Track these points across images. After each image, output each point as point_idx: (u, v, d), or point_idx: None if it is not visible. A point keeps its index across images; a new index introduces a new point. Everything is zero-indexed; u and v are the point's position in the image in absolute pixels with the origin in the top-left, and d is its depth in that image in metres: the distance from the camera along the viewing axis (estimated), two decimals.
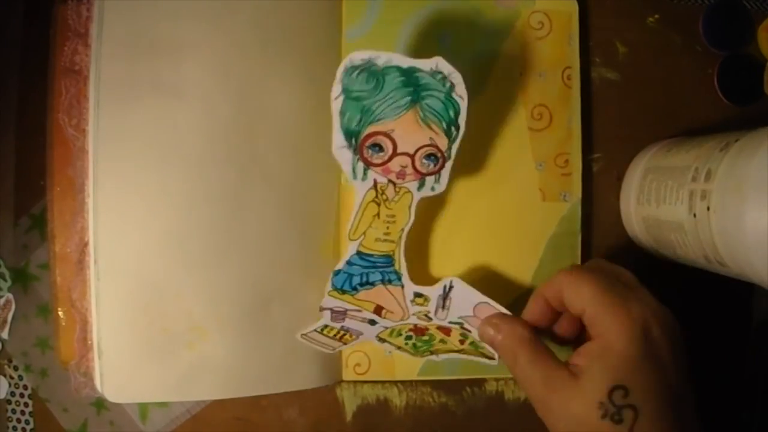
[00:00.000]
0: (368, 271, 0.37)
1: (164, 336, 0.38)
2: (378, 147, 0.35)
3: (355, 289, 0.38)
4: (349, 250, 0.37)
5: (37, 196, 0.41)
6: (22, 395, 0.41)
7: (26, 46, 0.41)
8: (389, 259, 0.37)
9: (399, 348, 0.40)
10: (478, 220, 0.41)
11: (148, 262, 0.38)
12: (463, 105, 0.34)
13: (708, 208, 0.32)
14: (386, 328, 0.39)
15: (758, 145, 0.30)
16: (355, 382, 0.43)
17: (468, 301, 0.37)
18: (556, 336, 0.36)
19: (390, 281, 0.38)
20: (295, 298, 0.40)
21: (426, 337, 0.39)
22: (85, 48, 0.38)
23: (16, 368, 0.41)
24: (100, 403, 0.41)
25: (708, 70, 0.44)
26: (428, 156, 0.35)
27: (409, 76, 0.34)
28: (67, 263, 0.39)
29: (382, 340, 0.40)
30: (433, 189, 0.36)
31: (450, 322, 0.38)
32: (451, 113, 0.34)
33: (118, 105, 0.37)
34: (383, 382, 0.43)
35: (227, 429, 0.42)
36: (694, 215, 0.33)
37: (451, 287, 0.37)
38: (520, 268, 0.42)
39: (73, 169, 0.39)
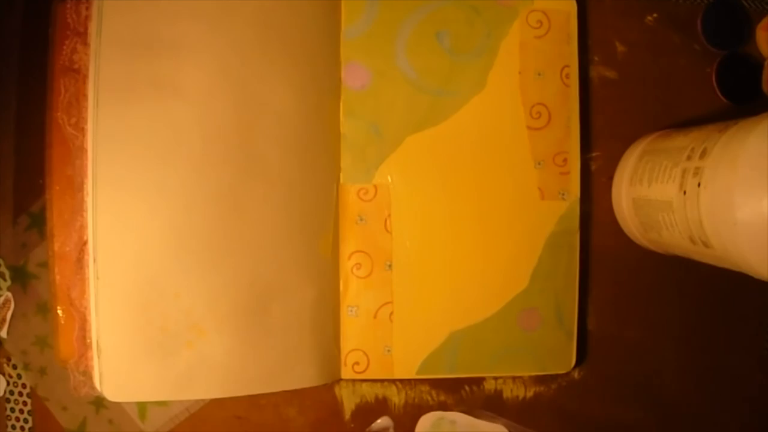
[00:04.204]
0: None
1: (163, 335, 0.38)
2: None
3: None
4: None
5: (36, 195, 0.41)
6: (21, 394, 0.41)
7: (25, 44, 0.41)
8: None
9: None
10: (477, 218, 0.41)
11: (147, 261, 0.38)
12: None
13: (699, 184, 0.32)
14: None
15: (756, 124, 0.30)
16: (353, 380, 0.43)
17: None
18: None
19: None
20: (294, 297, 0.40)
21: None
22: (84, 47, 0.38)
23: (15, 367, 0.41)
24: (99, 402, 0.41)
25: (706, 69, 0.44)
26: None
27: None
28: (66, 262, 0.39)
29: None
30: None
31: None
32: None
33: (118, 104, 0.37)
34: (382, 381, 0.43)
35: (226, 428, 0.42)
36: (684, 192, 0.34)
37: None
38: (519, 267, 0.42)
39: (72, 167, 0.39)
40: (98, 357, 0.37)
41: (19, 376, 0.41)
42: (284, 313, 0.40)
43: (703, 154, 0.33)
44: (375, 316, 0.41)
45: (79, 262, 0.39)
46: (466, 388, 0.43)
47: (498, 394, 0.44)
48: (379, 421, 0.43)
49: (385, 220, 0.41)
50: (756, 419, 0.45)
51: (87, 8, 0.38)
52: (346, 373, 0.42)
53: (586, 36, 0.43)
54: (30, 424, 0.41)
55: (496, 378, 0.43)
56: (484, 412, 0.43)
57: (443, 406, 0.43)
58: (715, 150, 0.32)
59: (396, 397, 0.43)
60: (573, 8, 0.42)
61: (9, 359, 0.41)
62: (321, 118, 0.41)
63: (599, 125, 0.44)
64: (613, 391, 0.44)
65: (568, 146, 0.42)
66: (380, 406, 0.43)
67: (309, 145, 0.40)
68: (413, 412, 0.43)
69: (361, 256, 0.41)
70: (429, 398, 0.43)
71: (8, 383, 0.41)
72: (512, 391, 0.44)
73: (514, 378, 0.43)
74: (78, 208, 0.39)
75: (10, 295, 0.41)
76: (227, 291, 0.39)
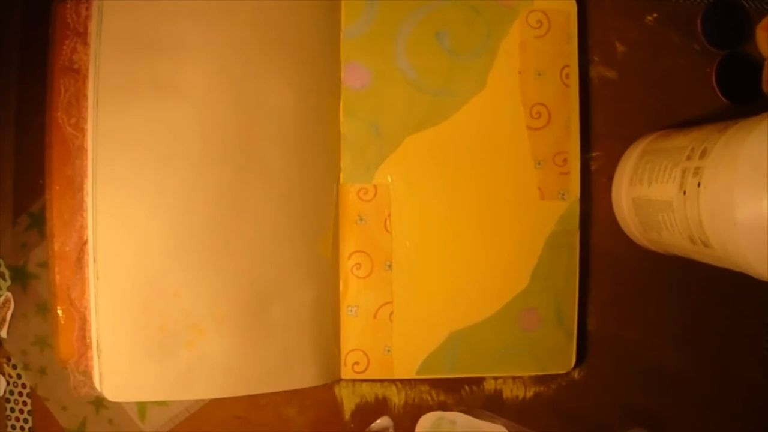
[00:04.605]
0: None
1: (163, 335, 0.38)
2: None
3: None
4: None
5: (36, 195, 0.41)
6: (20, 394, 0.41)
7: (25, 44, 0.41)
8: None
9: None
10: (477, 218, 0.41)
11: (147, 261, 0.38)
12: None
13: (699, 184, 0.32)
14: None
15: (756, 124, 0.30)
16: (353, 380, 0.43)
17: None
18: None
19: None
20: (294, 297, 0.40)
21: None
22: (84, 47, 0.38)
23: (14, 367, 0.41)
24: (99, 402, 0.41)
25: (706, 69, 0.44)
26: None
27: None
28: (66, 262, 0.39)
29: None
30: None
31: None
32: None
33: (117, 104, 0.37)
34: (382, 381, 0.43)
35: (226, 428, 0.42)
36: (684, 192, 0.34)
37: None
38: (519, 267, 0.42)
39: (72, 167, 0.39)
40: (98, 357, 0.37)
41: (19, 376, 0.41)
42: (284, 313, 0.40)
43: (703, 154, 0.33)
44: (375, 316, 0.41)
45: (79, 262, 0.39)
46: (466, 388, 0.43)
47: (498, 394, 0.43)
48: (378, 421, 0.43)
49: (385, 220, 0.41)
50: (756, 419, 0.45)
51: (87, 8, 0.38)
52: (346, 373, 0.42)
53: (586, 36, 0.43)
54: (30, 424, 0.41)
55: (496, 378, 0.43)
56: (483, 412, 0.43)
57: (443, 406, 0.43)
58: (715, 150, 0.32)
59: (396, 397, 0.43)
60: (573, 8, 0.42)
61: (9, 359, 0.41)
62: (321, 118, 0.41)
63: (599, 125, 0.44)
64: (613, 392, 0.44)
65: (568, 146, 0.42)
66: (380, 406, 0.43)
67: (309, 145, 0.40)
68: (413, 412, 0.43)
69: (361, 256, 0.41)
70: (429, 398, 0.43)
71: (8, 383, 0.41)
72: (512, 391, 0.44)
73: (514, 378, 0.43)
74: (78, 208, 0.39)
75: (10, 295, 0.41)
76: (227, 291, 0.39)
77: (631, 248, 0.43)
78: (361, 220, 0.41)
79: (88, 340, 0.38)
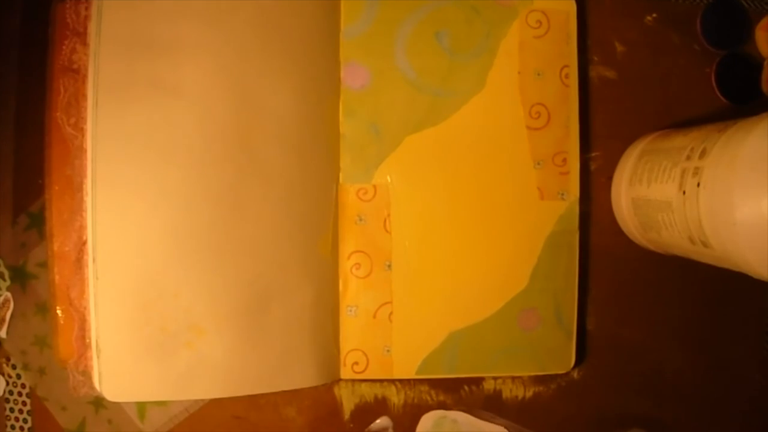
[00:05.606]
0: None
1: (162, 335, 0.38)
2: None
3: None
4: None
5: (36, 195, 0.41)
6: (20, 394, 0.41)
7: (25, 44, 0.41)
8: None
9: None
10: (476, 218, 0.41)
11: (147, 261, 0.38)
12: None
13: (698, 185, 0.32)
14: None
15: (755, 124, 0.30)
16: (353, 380, 0.43)
17: None
18: None
19: None
20: (294, 297, 0.40)
21: None
22: (83, 47, 0.38)
23: (14, 367, 0.41)
24: (99, 402, 0.41)
25: (706, 69, 0.44)
26: None
27: None
28: (66, 262, 0.39)
29: None
30: None
31: None
32: None
33: (117, 104, 0.37)
34: (381, 381, 0.43)
35: (225, 428, 0.42)
36: (684, 192, 0.34)
37: None
38: (519, 267, 0.42)
39: (71, 167, 0.39)
40: (97, 357, 0.37)
41: (18, 376, 0.41)
42: (284, 313, 0.40)
43: (703, 154, 0.33)
44: (374, 316, 0.41)
45: (79, 262, 0.39)
46: (466, 388, 0.43)
47: (497, 394, 0.43)
48: (378, 421, 0.43)
49: (385, 220, 0.41)
50: (756, 419, 0.45)
51: (86, 8, 0.38)
52: (346, 373, 0.42)
53: (585, 36, 0.43)
54: (29, 424, 0.41)
55: (495, 378, 0.43)
56: (483, 412, 0.43)
57: (442, 406, 0.43)
58: (715, 150, 0.32)
59: (395, 397, 0.43)
60: (572, 8, 0.42)
61: (8, 359, 0.41)
62: (320, 118, 0.41)
63: (599, 125, 0.44)
64: (612, 392, 0.44)
65: (568, 146, 0.42)
66: (379, 406, 0.43)
67: (308, 144, 0.40)
68: (413, 412, 0.43)
69: (361, 256, 0.41)
70: (428, 398, 0.43)
71: (8, 383, 0.41)
72: (511, 391, 0.44)
73: (513, 378, 0.43)
74: (77, 208, 0.39)
75: (9, 295, 0.41)
76: (227, 291, 0.39)
77: (630, 248, 0.43)
78: (360, 220, 0.41)
79: (87, 340, 0.38)
